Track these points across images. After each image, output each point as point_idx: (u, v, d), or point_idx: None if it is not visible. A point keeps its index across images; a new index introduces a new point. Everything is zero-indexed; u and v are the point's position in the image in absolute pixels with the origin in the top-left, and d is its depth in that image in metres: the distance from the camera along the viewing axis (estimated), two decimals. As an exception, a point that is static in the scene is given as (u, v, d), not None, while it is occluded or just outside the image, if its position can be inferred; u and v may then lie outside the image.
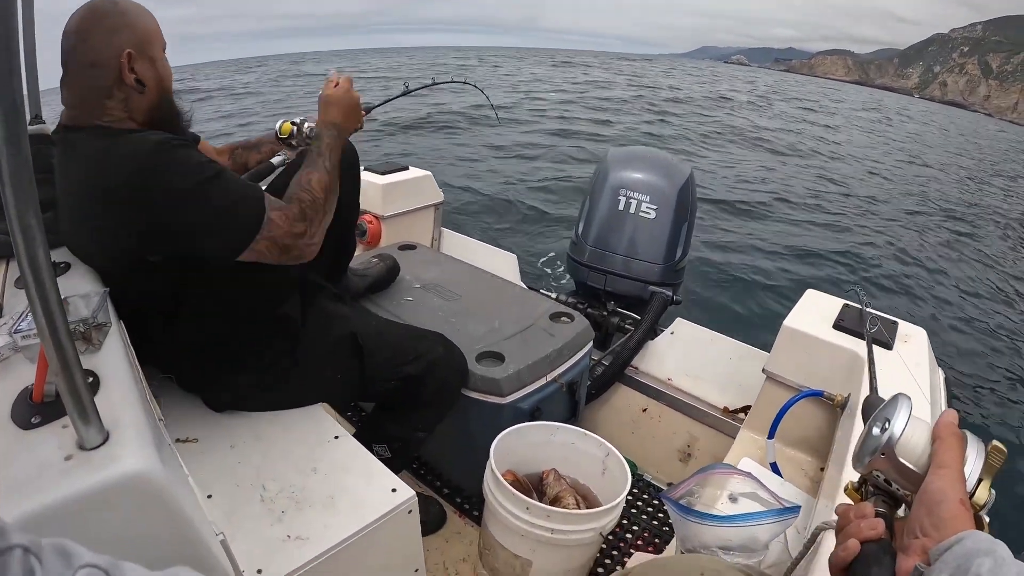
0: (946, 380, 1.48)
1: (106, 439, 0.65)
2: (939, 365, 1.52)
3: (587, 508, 1.37)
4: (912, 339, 1.49)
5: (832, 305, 1.62)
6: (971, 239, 7.98)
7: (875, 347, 1.39)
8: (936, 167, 14.64)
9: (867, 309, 1.52)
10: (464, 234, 2.71)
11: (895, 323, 1.53)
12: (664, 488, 1.88)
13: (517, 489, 1.24)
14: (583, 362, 1.68)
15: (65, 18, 1.06)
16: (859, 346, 1.43)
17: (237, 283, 1.17)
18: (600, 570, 1.58)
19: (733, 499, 1.19)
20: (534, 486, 1.45)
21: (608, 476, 1.42)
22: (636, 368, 2.02)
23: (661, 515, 1.77)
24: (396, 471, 1.15)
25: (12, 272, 1.10)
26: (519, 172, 8.38)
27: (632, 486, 1.30)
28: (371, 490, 1.09)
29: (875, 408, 0.65)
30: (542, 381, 1.54)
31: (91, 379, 0.75)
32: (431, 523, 1.63)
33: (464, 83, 1.99)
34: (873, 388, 1.09)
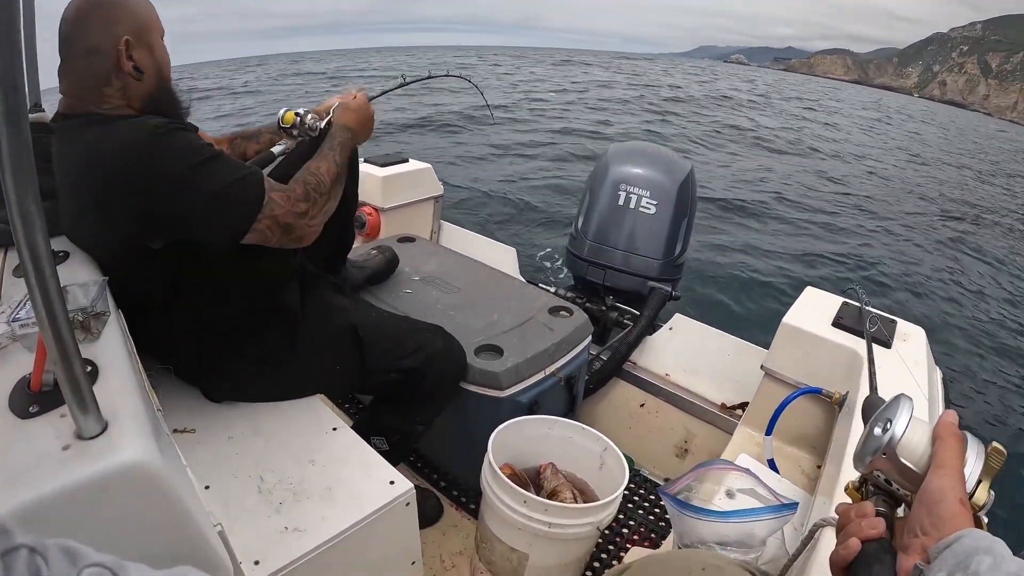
0: (944, 379, 1.49)
1: (104, 429, 0.64)
2: (937, 364, 1.52)
3: (584, 502, 1.37)
4: (911, 338, 1.49)
5: (831, 303, 1.62)
6: (970, 238, 8.00)
7: (874, 345, 1.39)
8: (936, 166, 14.67)
9: (866, 307, 1.52)
10: (463, 227, 2.71)
11: (894, 322, 1.54)
12: (661, 483, 1.89)
13: (514, 483, 1.24)
14: (582, 356, 1.68)
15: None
16: (858, 344, 1.44)
17: (236, 272, 1.16)
18: (596, 564, 1.58)
19: (731, 495, 1.20)
20: (531, 480, 1.45)
21: (605, 471, 1.42)
22: (634, 363, 2.02)
23: (658, 510, 1.78)
24: (394, 464, 1.15)
25: (10, 261, 1.09)
26: (519, 171, 8.38)
27: (629, 481, 1.30)
28: (369, 482, 1.09)
29: (876, 408, 0.65)
30: (541, 375, 1.54)
31: (90, 368, 0.75)
32: (428, 516, 1.63)
33: (459, 76, 2.01)
34: (872, 387, 1.09)
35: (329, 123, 1.33)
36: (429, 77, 1.84)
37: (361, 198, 2.25)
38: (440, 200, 2.62)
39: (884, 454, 0.59)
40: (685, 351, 2.01)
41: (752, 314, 4.58)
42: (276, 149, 1.36)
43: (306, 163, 1.20)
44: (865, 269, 6.02)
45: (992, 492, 0.55)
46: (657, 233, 2.05)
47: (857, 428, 1.13)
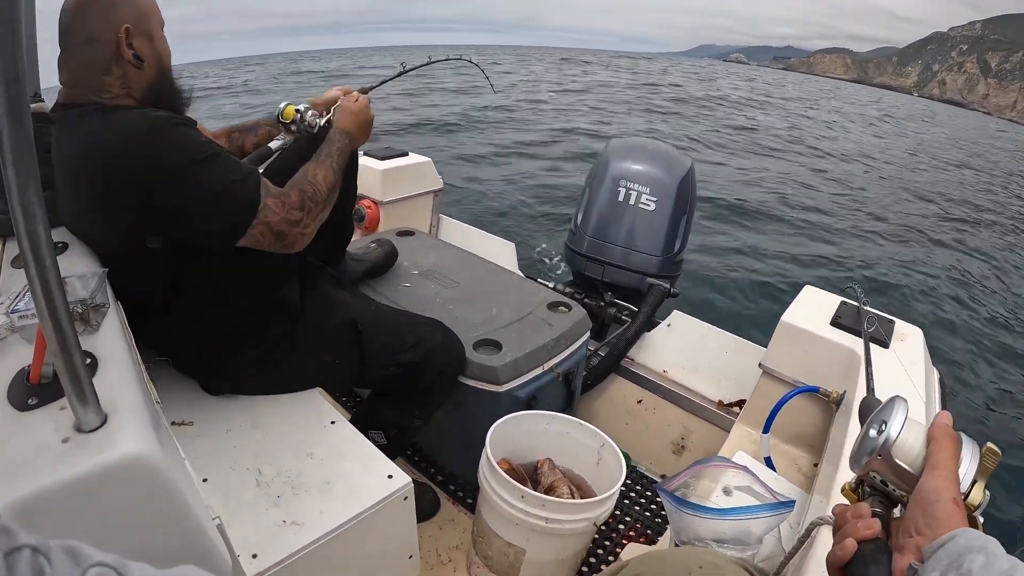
0: (941, 380, 1.49)
1: (104, 422, 0.64)
2: (934, 365, 1.53)
3: (581, 498, 1.38)
4: (909, 338, 1.49)
5: (830, 302, 1.62)
6: (969, 239, 8.01)
7: (872, 345, 1.39)
8: (935, 165, 14.65)
9: (864, 307, 1.52)
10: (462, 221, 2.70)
11: (892, 322, 1.54)
12: (657, 480, 1.89)
13: (512, 478, 1.25)
14: (580, 352, 1.68)
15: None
16: (856, 343, 1.44)
17: (236, 272, 1.16)
18: (592, 560, 1.59)
19: (728, 492, 1.20)
20: (528, 475, 1.46)
21: (603, 466, 1.43)
22: (632, 359, 2.03)
23: (654, 506, 1.79)
24: (391, 458, 1.15)
25: (8, 253, 1.09)
26: (517, 170, 8.37)
27: (625, 477, 1.30)
28: (367, 476, 1.09)
29: (872, 410, 0.66)
30: (539, 370, 1.54)
31: (89, 361, 0.74)
32: (425, 510, 1.63)
33: (459, 58, 2.01)
34: (869, 387, 1.09)
35: (329, 122, 1.33)
36: (428, 63, 1.83)
37: (360, 191, 2.25)
38: (440, 194, 2.61)
39: (880, 455, 0.60)
40: (683, 348, 2.01)
41: (749, 313, 4.58)
42: (274, 144, 1.35)
43: (304, 167, 1.19)
44: (864, 268, 6.02)
45: (987, 492, 0.56)
46: (656, 229, 2.05)
47: (854, 427, 1.13)
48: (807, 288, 1.72)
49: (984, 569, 0.45)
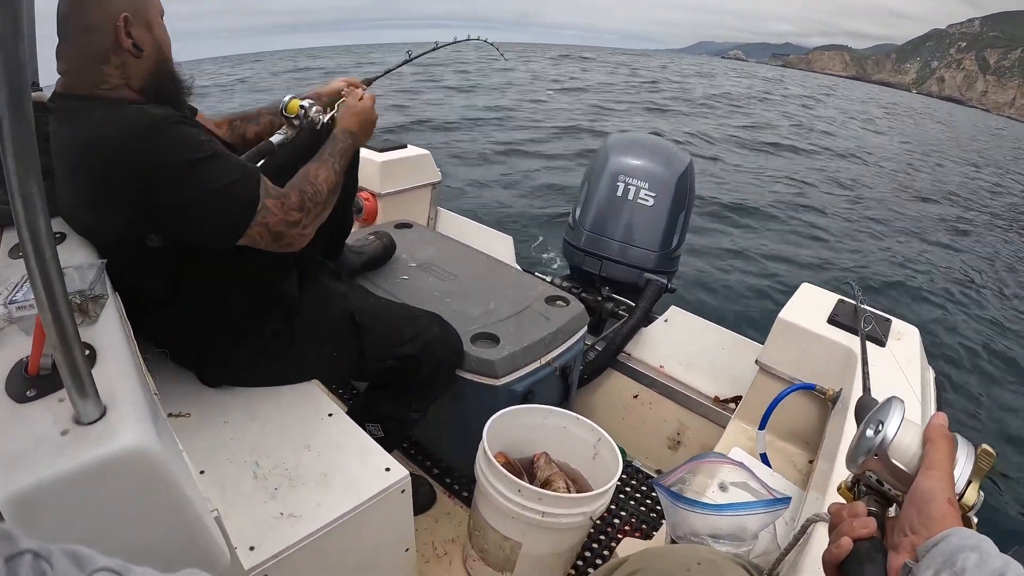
0: (936, 379, 1.50)
1: (103, 414, 0.64)
2: (930, 364, 1.53)
3: (577, 492, 1.38)
4: (905, 337, 1.50)
5: (827, 300, 1.63)
6: (969, 238, 8.03)
7: (868, 343, 1.40)
8: (934, 163, 14.67)
9: (862, 305, 1.52)
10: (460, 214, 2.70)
11: (888, 320, 1.54)
12: (653, 475, 1.90)
13: (508, 471, 1.25)
14: (577, 346, 1.68)
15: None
16: (852, 341, 1.45)
17: (236, 271, 1.16)
18: (588, 554, 1.60)
19: (724, 488, 1.21)
20: (525, 469, 1.46)
21: (599, 461, 1.43)
22: (629, 354, 2.03)
23: (649, 501, 1.80)
24: (389, 451, 1.15)
25: (5, 243, 1.08)
26: (516, 167, 8.36)
27: (621, 472, 1.31)
28: (365, 469, 1.09)
29: (869, 410, 0.66)
30: (536, 364, 1.54)
31: (88, 352, 0.74)
32: (421, 503, 1.64)
33: (467, 40, 1.98)
34: (865, 385, 1.10)
35: (332, 119, 1.32)
36: (435, 48, 1.81)
37: (359, 183, 2.24)
38: (438, 186, 2.60)
39: (876, 455, 0.61)
40: (680, 343, 2.02)
41: (747, 309, 4.59)
42: (275, 139, 1.34)
43: (305, 167, 1.18)
44: (862, 267, 6.04)
45: (982, 493, 0.57)
46: (655, 225, 2.05)
47: (850, 425, 1.14)
48: (804, 286, 1.72)
49: (978, 567, 0.45)
